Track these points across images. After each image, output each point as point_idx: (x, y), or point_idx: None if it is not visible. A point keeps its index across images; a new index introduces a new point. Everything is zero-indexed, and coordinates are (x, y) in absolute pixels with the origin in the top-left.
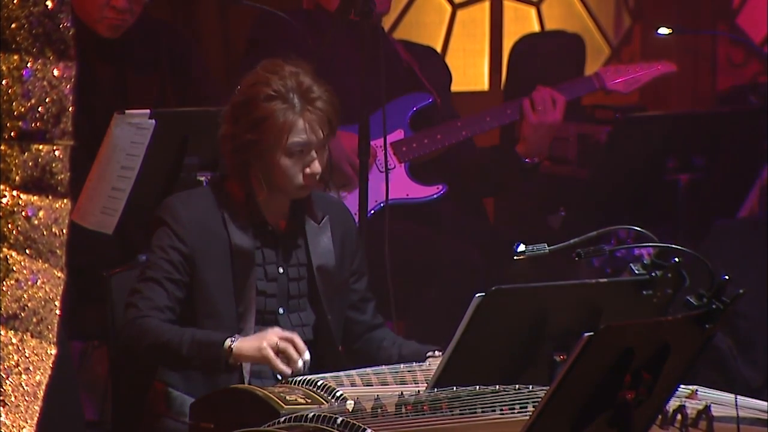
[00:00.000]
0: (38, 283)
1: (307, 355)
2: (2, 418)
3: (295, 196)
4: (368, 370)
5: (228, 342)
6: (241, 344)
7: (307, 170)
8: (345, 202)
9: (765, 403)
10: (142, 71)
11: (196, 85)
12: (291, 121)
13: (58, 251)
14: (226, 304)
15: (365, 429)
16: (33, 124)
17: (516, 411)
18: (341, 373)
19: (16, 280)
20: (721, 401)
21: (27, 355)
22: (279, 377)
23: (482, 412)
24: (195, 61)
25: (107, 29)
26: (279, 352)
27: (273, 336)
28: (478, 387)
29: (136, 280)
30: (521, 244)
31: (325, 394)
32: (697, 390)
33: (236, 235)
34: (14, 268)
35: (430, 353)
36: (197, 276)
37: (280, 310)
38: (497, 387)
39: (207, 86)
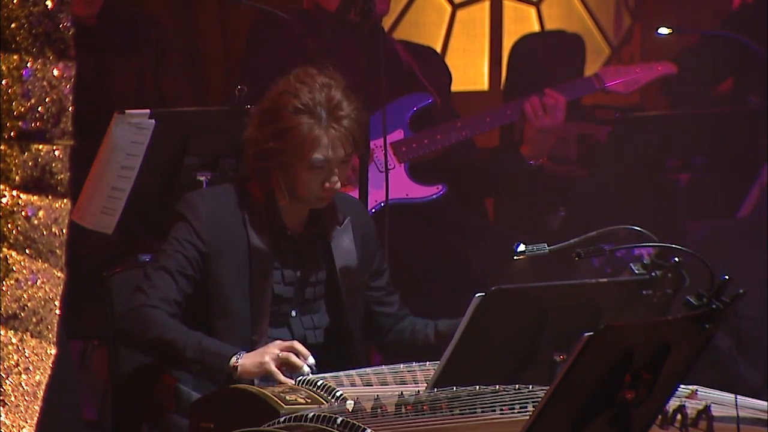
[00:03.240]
0: (38, 283)
1: (311, 360)
2: (2, 418)
3: (312, 206)
4: (368, 370)
5: (234, 359)
6: (245, 361)
7: (327, 185)
8: None
9: (765, 403)
10: (121, 59)
11: (170, 75)
12: (316, 136)
13: (57, 251)
14: (240, 305)
15: (365, 429)
16: (33, 124)
17: (516, 411)
18: (341, 373)
19: (16, 280)
20: (721, 401)
21: (27, 355)
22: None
23: (482, 412)
24: (171, 48)
25: (83, 6)
26: (282, 362)
27: (273, 348)
28: (478, 387)
29: (149, 266)
30: (521, 244)
31: (325, 394)
32: (697, 390)
33: (255, 237)
34: (14, 268)
35: None
36: (212, 274)
37: (293, 313)
38: (497, 387)
39: (178, 78)
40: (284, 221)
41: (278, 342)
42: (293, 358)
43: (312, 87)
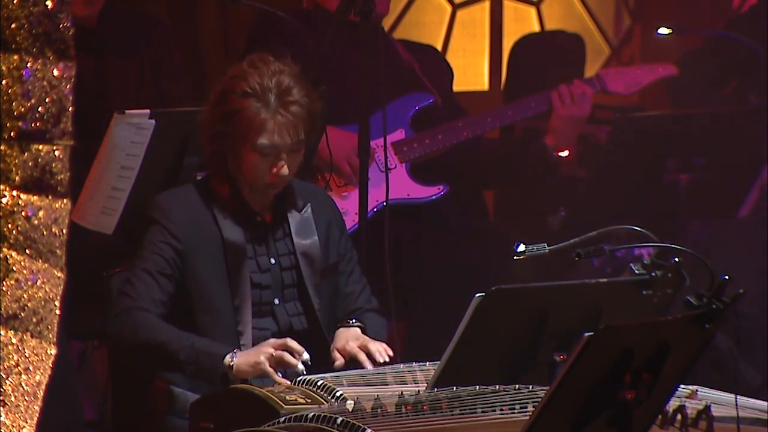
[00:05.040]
0: (38, 283)
1: (305, 356)
2: (2, 418)
3: (263, 193)
4: (368, 370)
5: (228, 358)
6: (239, 360)
7: (274, 171)
8: (346, 202)
9: (765, 403)
10: (121, 60)
11: (170, 75)
12: (261, 121)
13: (58, 251)
14: (222, 299)
15: (365, 429)
16: (33, 124)
17: (516, 411)
18: (341, 373)
19: (16, 280)
20: (721, 401)
21: (27, 355)
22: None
23: (482, 412)
24: (171, 49)
25: (84, 6)
26: (276, 361)
27: (267, 348)
28: (478, 387)
29: (129, 272)
30: (521, 244)
31: (325, 394)
32: (697, 390)
33: (227, 229)
34: (14, 268)
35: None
36: (191, 272)
37: (276, 301)
38: (497, 387)
39: (178, 78)
40: (252, 208)
41: (272, 340)
42: (287, 357)
43: (262, 72)
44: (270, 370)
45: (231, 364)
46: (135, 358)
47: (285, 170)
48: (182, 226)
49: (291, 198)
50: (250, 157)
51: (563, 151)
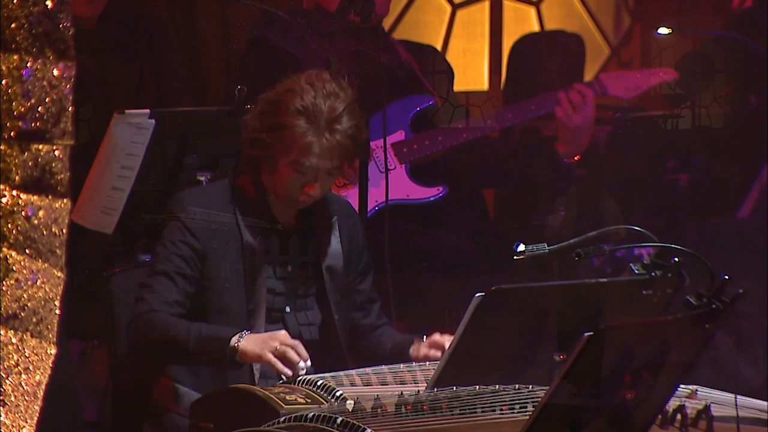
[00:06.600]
0: (38, 283)
1: (308, 362)
2: (2, 418)
3: (289, 206)
4: (368, 370)
5: (234, 339)
6: (246, 344)
7: (306, 189)
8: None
9: (765, 403)
10: (121, 60)
11: (170, 75)
12: (307, 142)
13: (57, 251)
14: (237, 301)
15: (365, 429)
16: (33, 124)
17: (516, 411)
18: (341, 373)
19: (16, 280)
20: (721, 401)
21: (27, 355)
22: (282, 377)
23: (482, 412)
24: (171, 49)
25: (84, 7)
26: (279, 354)
27: (275, 342)
28: (478, 387)
29: (146, 274)
30: (521, 244)
31: (325, 394)
32: (697, 390)
33: (248, 232)
34: (14, 268)
35: (416, 340)
36: (208, 272)
37: (287, 309)
38: (497, 387)
39: (178, 78)
40: (275, 215)
41: (283, 334)
42: (290, 352)
43: (318, 92)
44: (273, 359)
45: (236, 345)
46: (152, 358)
47: (317, 191)
48: (202, 225)
49: (319, 209)
50: (286, 172)
51: (575, 157)
